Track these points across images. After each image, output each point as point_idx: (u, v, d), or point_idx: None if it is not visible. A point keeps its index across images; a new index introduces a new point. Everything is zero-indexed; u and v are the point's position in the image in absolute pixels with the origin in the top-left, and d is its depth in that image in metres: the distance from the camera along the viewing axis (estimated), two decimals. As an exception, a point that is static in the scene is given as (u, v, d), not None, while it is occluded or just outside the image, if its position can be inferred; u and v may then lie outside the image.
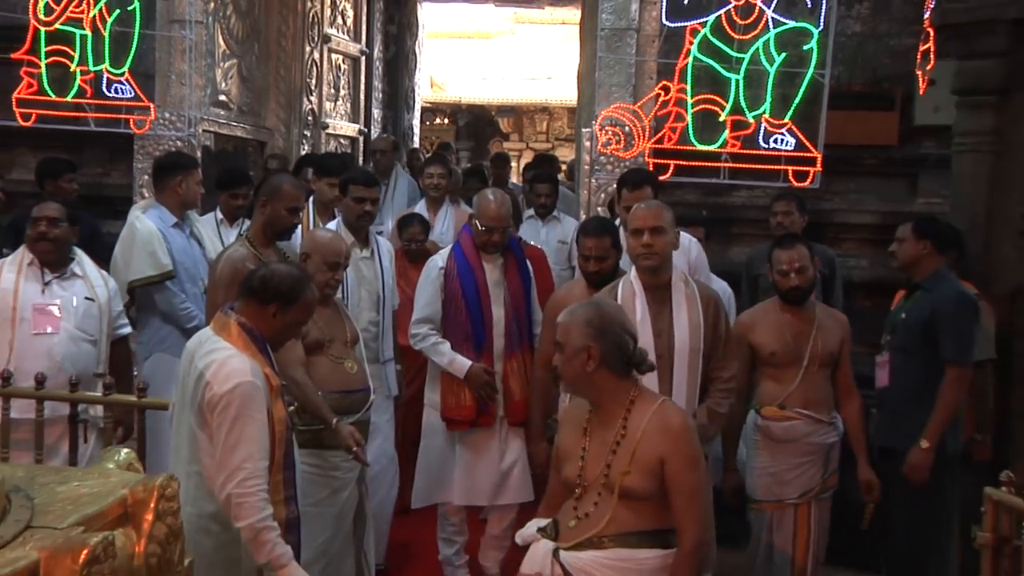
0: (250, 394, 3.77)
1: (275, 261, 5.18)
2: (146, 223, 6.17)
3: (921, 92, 7.43)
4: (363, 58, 11.50)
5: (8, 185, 7.25)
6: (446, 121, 20.82)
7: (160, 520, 2.42)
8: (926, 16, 6.88)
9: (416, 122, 15.09)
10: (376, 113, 12.43)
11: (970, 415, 5.94)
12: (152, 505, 2.41)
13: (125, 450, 2.91)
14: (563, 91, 18.27)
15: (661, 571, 3.60)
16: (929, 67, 6.97)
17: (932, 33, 6.79)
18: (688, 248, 5.89)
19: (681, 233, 5.50)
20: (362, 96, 11.56)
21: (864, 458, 5.20)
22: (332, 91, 10.64)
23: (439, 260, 5.77)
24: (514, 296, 5.71)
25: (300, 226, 6.22)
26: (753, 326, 5.29)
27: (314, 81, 10.08)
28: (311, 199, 6.87)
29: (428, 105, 17.96)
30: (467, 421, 5.59)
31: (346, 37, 10.84)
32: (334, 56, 10.59)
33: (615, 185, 6.44)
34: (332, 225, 6.22)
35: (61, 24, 7.33)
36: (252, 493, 3.70)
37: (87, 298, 5.54)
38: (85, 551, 2.08)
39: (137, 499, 2.40)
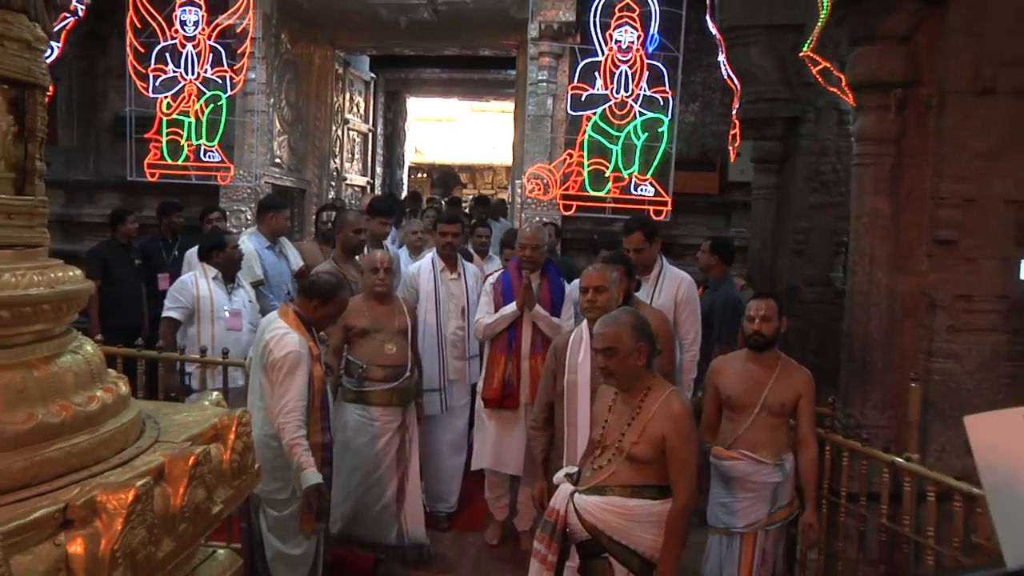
0: (296, 360, 3.84)
1: (352, 272, 5.26)
2: (248, 245, 6.08)
3: (732, 160, 7.64)
4: (370, 134, 11.43)
5: (139, 219, 7.27)
6: (424, 175, 20.64)
7: (239, 439, 2.43)
8: (734, 112, 7.03)
9: (405, 176, 15.03)
10: (378, 170, 12.36)
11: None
12: (234, 429, 2.42)
13: (215, 393, 2.89)
14: (502, 156, 18.28)
15: (644, 517, 3.23)
16: (737, 144, 7.13)
17: (738, 123, 6.96)
18: (679, 284, 4.98)
19: (677, 271, 5.10)
20: (369, 158, 11.47)
21: (812, 504, 4.02)
22: (349, 155, 10.56)
23: (492, 279, 5.18)
24: (543, 308, 4.92)
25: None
26: (720, 370, 4.21)
27: (337, 149, 10.02)
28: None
29: (413, 165, 17.82)
30: (494, 400, 4.94)
31: (359, 120, 10.81)
32: (351, 132, 10.53)
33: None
34: (428, 255, 5.65)
35: (176, 115, 7.47)
36: (290, 421, 3.79)
37: (250, 301, 5.56)
38: (193, 457, 2.09)
39: (224, 425, 2.42)
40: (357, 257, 5.58)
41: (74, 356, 2.14)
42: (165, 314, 5.37)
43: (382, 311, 4.83)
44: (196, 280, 5.38)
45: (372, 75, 11.20)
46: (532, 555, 3.42)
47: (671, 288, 4.94)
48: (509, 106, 12.73)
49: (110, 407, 2.15)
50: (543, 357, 4.72)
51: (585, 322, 4.05)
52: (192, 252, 6.42)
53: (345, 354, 4.87)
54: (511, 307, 4.91)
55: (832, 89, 4.92)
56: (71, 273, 2.18)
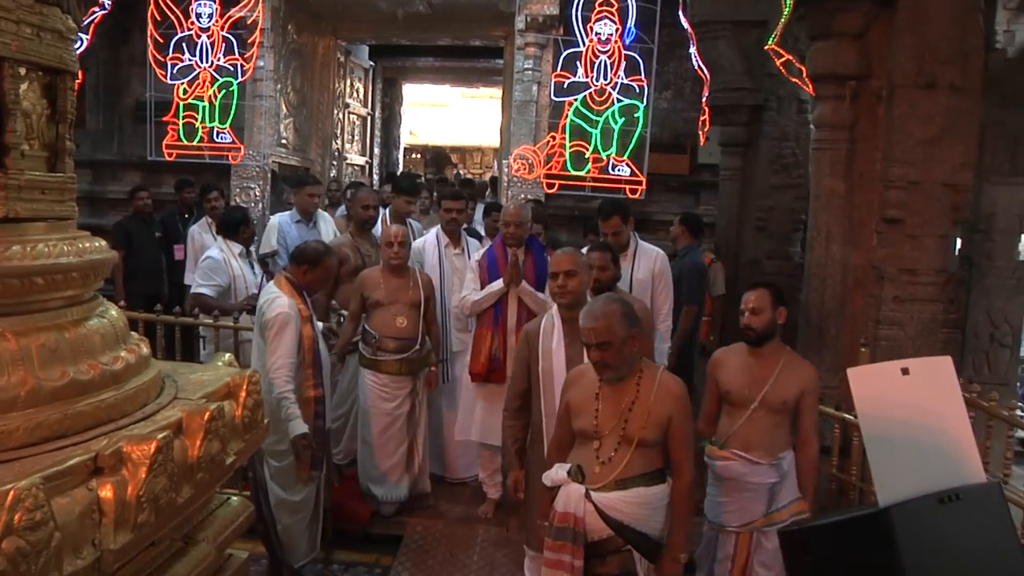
0: (285, 320, 3.86)
1: (366, 245, 5.20)
2: (274, 220, 6.00)
3: (701, 144, 7.62)
4: (369, 117, 11.34)
5: (158, 195, 7.30)
6: (418, 156, 20.51)
7: (250, 396, 2.43)
8: (704, 100, 7.03)
9: (400, 156, 14.94)
10: (376, 151, 12.26)
11: (706, 326, 5.98)
12: (245, 387, 2.42)
13: (228, 355, 2.90)
14: (490, 138, 18.22)
15: (660, 501, 2.94)
16: (706, 129, 7.13)
17: (707, 110, 6.96)
18: (655, 259, 4.82)
19: (650, 246, 4.89)
20: (368, 140, 11.37)
21: (808, 506, 3.47)
22: (350, 137, 10.46)
23: (476, 255, 4.93)
24: (528, 283, 4.67)
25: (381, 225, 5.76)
26: (721, 363, 3.65)
27: (339, 131, 9.92)
28: (388, 209, 6.01)
29: (408, 146, 17.73)
30: (481, 375, 4.68)
31: (359, 104, 10.72)
32: (351, 116, 10.44)
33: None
34: (433, 231, 5.41)
35: (192, 99, 7.41)
36: (280, 376, 3.81)
37: (263, 275, 5.50)
38: (208, 413, 2.11)
39: (236, 383, 2.42)
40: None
41: (100, 319, 2.16)
42: (198, 291, 5.20)
43: (397, 284, 4.73)
44: (228, 260, 5.28)
45: (371, 63, 11.09)
46: (548, 566, 2.98)
47: (648, 263, 4.80)
48: (497, 92, 12.66)
49: (133, 366, 2.16)
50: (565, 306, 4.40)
51: (556, 307, 3.68)
52: (195, 228, 6.40)
53: (363, 323, 4.79)
54: (498, 283, 4.69)
55: (794, 80, 4.93)
56: (97, 244, 2.20)
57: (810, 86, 4.31)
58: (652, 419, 2.92)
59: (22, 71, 1.99)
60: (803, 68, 4.41)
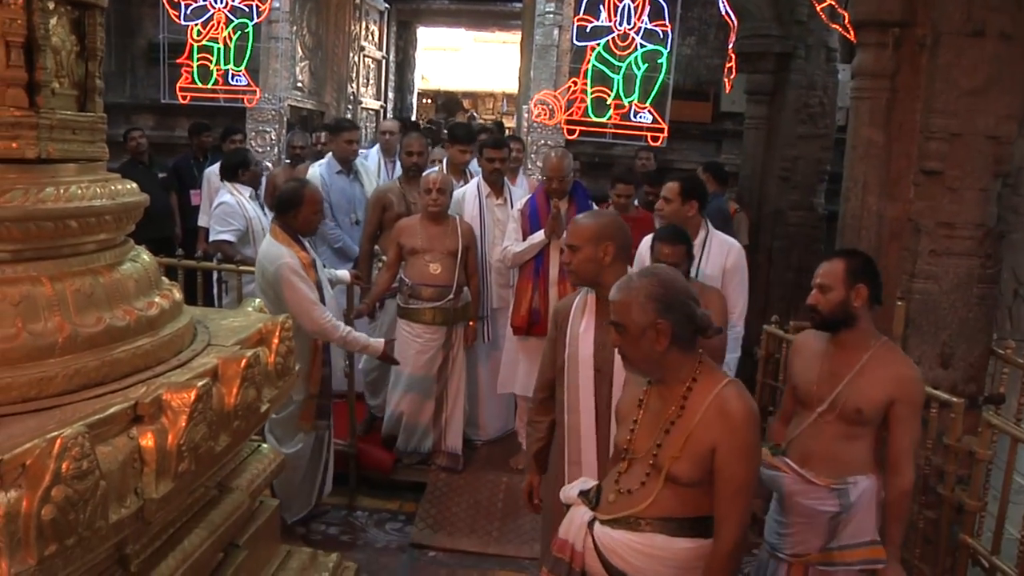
0: (291, 267, 3.73)
1: (414, 193, 5.00)
2: (314, 170, 5.83)
3: (727, 91, 7.49)
4: (383, 61, 11.20)
5: (171, 139, 7.20)
6: (430, 101, 20.33)
7: (282, 343, 2.38)
8: (730, 47, 6.90)
9: (414, 100, 14.82)
10: (390, 95, 12.15)
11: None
12: (277, 333, 2.37)
13: (257, 300, 2.87)
14: (503, 83, 18.10)
15: (695, 560, 2.20)
16: (732, 77, 7.00)
17: (734, 57, 6.83)
18: (727, 253, 4.05)
19: (724, 237, 4.21)
20: (382, 84, 11.25)
21: (893, 550, 2.69)
22: (365, 81, 10.33)
23: (519, 204, 4.74)
24: None
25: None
26: (797, 350, 2.95)
27: (354, 74, 9.79)
28: (445, 160, 5.47)
29: (420, 91, 17.56)
30: (522, 328, 4.55)
31: (374, 47, 10.57)
32: (366, 59, 10.30)
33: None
34: (474, 182, 5.20)
35: (206, 41, 7.23)
36: (325, 322, 3.73)
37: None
38: (245, 360, 2.06)
39: (268, 330, 2.37)
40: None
41: (133, 264, 2.11)
42: (218, 238, 5.19)
43: (435, 231, 4.63)
44: (241, 203, 5.23)
45: (386, 5, 10.93)
46: None
47: (719, 256, 4.07)
48: (510, 36, 12.50)
49: (167, 312, 2.12)
50: (571, 283, 4.04)
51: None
52: (211, 170, 6.31)
53: (400, 272, 4.71)
54: (539, 235, 4.51)
55: (834, 26, 4.80)
56: (128, 186, 2.14)
57: (852, 32, 4.17)
58: (689, 447, 2.17)
59: (51, 5, 1.91)
60: (845, 14, 4.28)
